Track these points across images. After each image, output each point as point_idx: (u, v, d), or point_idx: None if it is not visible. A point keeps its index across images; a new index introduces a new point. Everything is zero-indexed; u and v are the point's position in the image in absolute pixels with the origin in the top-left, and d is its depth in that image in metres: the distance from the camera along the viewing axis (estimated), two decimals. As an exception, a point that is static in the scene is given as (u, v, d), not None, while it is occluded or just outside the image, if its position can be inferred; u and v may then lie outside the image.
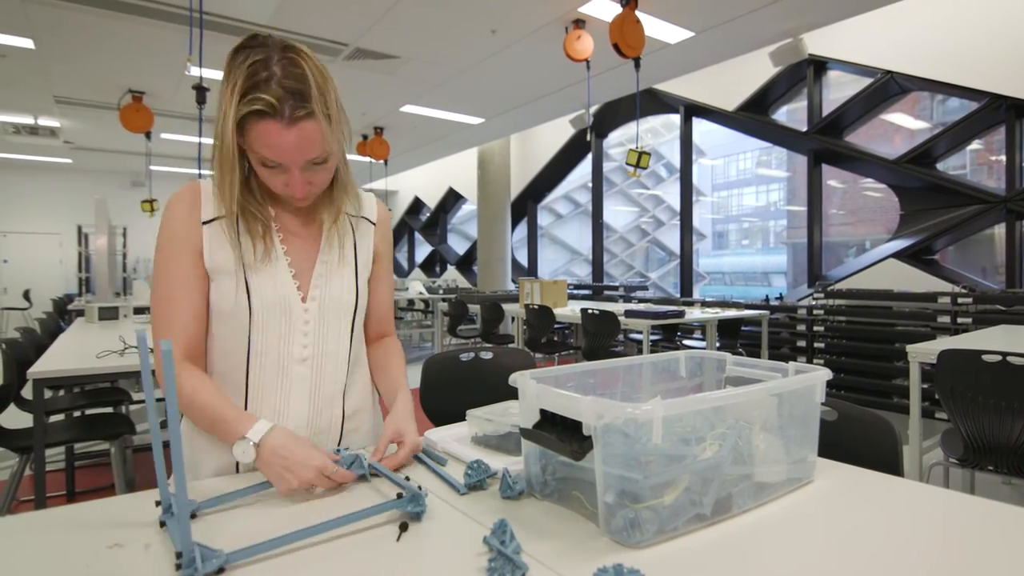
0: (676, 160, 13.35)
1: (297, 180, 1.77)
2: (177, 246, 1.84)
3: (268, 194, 1.93)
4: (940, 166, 8.91)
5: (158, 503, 1.42)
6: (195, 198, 1.87)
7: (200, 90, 7.34)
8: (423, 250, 23.35)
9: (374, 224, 2.15)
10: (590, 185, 15.69)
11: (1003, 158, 8.12)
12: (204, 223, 1.86)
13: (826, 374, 1.67)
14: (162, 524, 1.39)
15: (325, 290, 1.97)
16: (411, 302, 15.64)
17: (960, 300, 7.55)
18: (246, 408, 1.88)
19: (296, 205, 1.91)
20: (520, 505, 1.52)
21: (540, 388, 1.49)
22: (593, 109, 13.40)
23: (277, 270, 1.90)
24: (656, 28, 7.81)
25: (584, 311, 7.92)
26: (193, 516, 1.44)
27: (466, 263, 20.14)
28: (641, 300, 11.74)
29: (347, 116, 1.88)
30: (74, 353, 4.54)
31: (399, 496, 1.45)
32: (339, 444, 2.00)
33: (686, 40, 8.29)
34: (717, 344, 8.50)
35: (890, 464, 1.91)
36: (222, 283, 1.85)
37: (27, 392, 4.20)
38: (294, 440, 1.66)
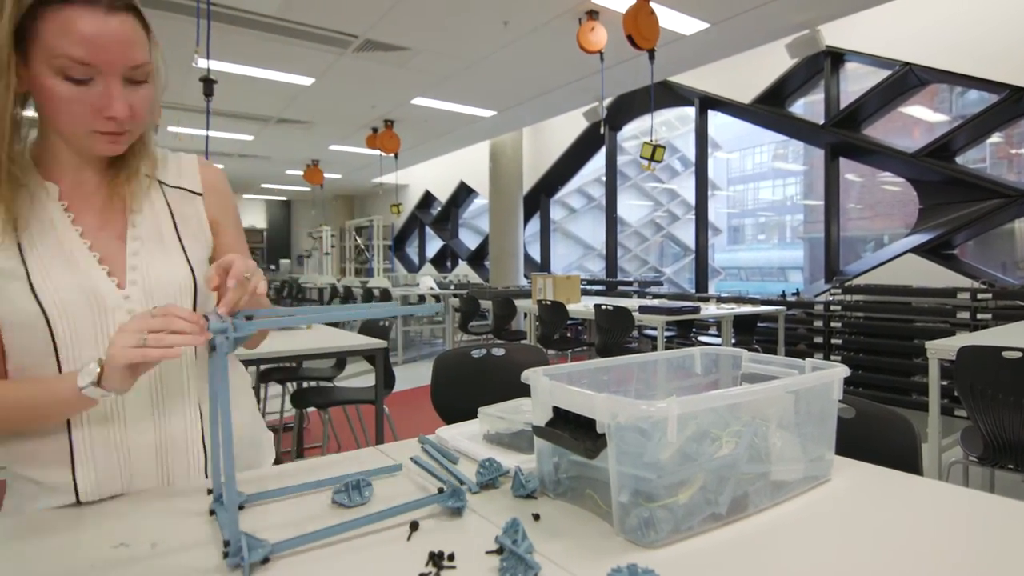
0: (691, 153, 13.29)
1: (116, 95, 1.44)
2: None
3: (41, 161, 1.59)
4: (959, 159, 8.88)
5: (210, 491, 1.46)
6: None
7: (208, 82, 7.35)
8: (434, 245, 23.42)
9: (199, 195, 1.77)
10: (604, 179, 15.71)
11: (1023, 151, 8.10)
12: None
13: (843, 371, 1.66)
14: (211, 512, 1.41)
15: (146, 272, 1.61)
16: (422, 298, 15.65)
17: (980, 296, 7.53)
18: (71, 438, 1.53)
19: (105, 150, 1.55)
20: (533, 504, 1.51)
21: (553, 385, 1.49)
22: (607, 102, 13.38)
23: (77, 263, 1.54)
24: (671, 19, 7.80)
25: (598, 307, 7.91)
26: (241, 507, 1.44)
27: (478, 258, 20.19)
28: (656, 296, 11.72)
29: (165, 66, 1.60)
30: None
31: (440, 491, 1.46)
32: (205, 467, 1.67)
33: (701, 31, 8.28)
34: (733, 340, 8.47)
35: (909, 462, 1.90)
36: (7, 288, 1.46)
37: None
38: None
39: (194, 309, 1.63)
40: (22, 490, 1.55)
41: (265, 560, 1.17)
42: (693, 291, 12.60)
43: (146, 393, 1.59)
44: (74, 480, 1.52)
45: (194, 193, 1.77)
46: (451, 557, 1.19)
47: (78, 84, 1.41)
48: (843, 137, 9.96)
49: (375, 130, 13.55)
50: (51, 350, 1.49)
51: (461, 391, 3.18)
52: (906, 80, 9.24)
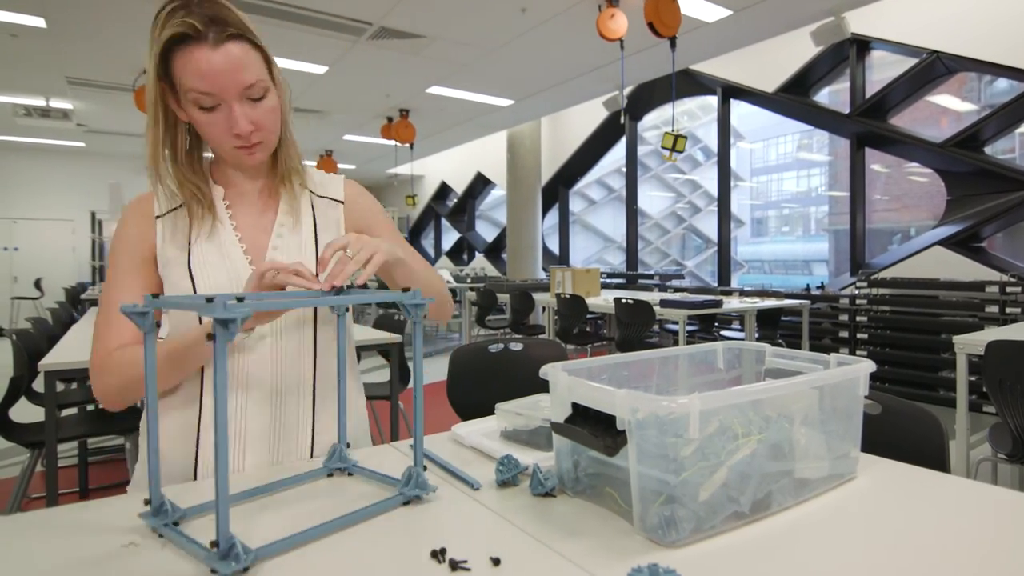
0: (713, 144, 13.30)
1: (238, 114, 1.70)
2: (123, 254, 1.83)
3: (215, 173, 1.96)
4: (988, 150, 8.84)
5: (147, 502, 1.37)
6: (147, 199, 1.88)
7: (221, 72, 7.36)
8: (450, 237, 23.40)
9: (341, 203, 2.07)
10: (624, 170, 15.68)
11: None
12: (158, 217, 1.84)
13: (869, 366, 1.65)
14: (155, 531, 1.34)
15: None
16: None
17: (1009, 289, 7.50)
18: (201, 395, 1.80)
19: (247, 161, 1.84)
20: (551, 502, 1.51)
21: (572, 381, 1.48)
22: (627, 91, 13.36)
23: (227, 250, 1.84)
24: (692, 6, 7.78)
25: (618, 301, 7.91)
26: (176, 524, 1.36)
27: (495, 251, 20.18)
28: (677, 289, 11.70)
29: (287, 83, 1.91)
30: (88, 344, 4.55)
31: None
32: (311, 446, 1.88)
33: (724, 19, 8.26)
34: (756, 335, 8.47)
35: (936, 460, 1.90)
36: (172, 275, 1.79)
37: (38, 385, 4.21)
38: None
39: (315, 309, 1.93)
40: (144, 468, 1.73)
41: (245, 569, 1.16)
42: (715, 284, 12.59)
43: (268, 381, 1.82)
44: (196, 457, 1.78)
45: (337, 201, 2.07)
46: (462, 562, 1.20)
47: (209, 111, 1.70)
48: (869, 127, 9.92)
49: (390, 120, 13.54)
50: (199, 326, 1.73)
51: (478, 387, 3.18)
52: (933, 68, 9.19)
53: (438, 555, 1.20)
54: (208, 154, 1.96)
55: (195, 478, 1.77)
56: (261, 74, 1.74)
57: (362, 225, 2.08)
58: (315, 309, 1.91)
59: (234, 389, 1.79)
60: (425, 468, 1.52)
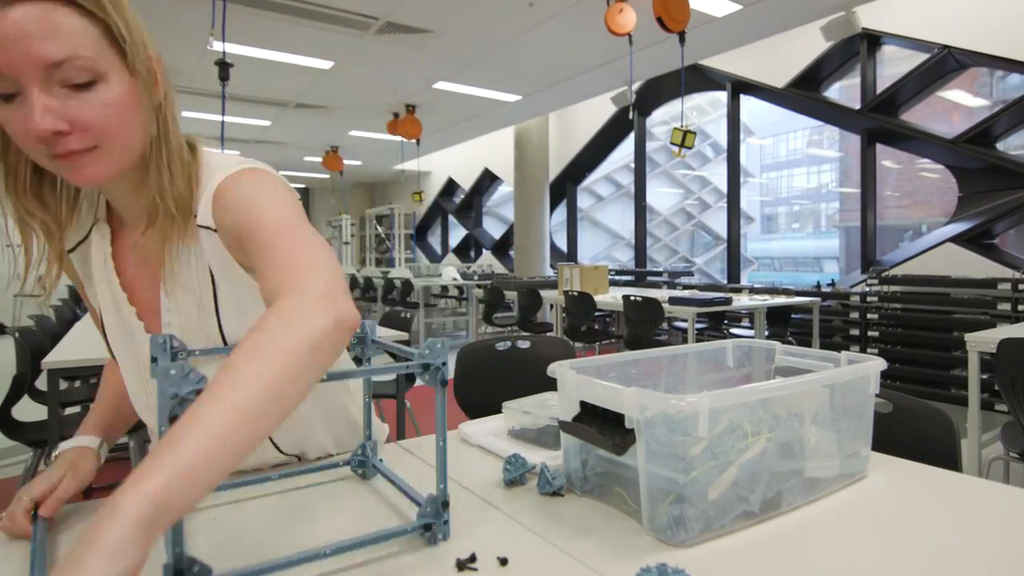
0: (723, 139, 13.31)
1: (35, 105, 1.13)
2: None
3: (112, 207, 1.52)
4: (1000, 146, 8.80)
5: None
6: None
7: (223, 66, 7.37)
8: (457, 234, 23.41)
9: (215, 230, 1.43)
10: (632, 166, 15.68)
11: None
12: (70, 251, 1.54)
13: (880, 364, 1.65)
14: None
15: (180, 319, 1.51)
16: (445, 288, 15.64)
17: (1021, 286, 7.47)
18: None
19: (72, 179, 1.27)
20: (559, 502, 1.52)
21: (580, 379, 1.49)
22: (636, 86, 13.35)
23: (124, 318, 1.55)
24: (702, 1, 7.77)
25: (626, 298, 7.90)
26: None
27: (502, 248, 20.18)
28: (686, 286, 11.70)
29: (164, 74, 1.36)
30: (91, 342, 4.54)
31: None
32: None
33: (733, 13, 8.26)
34: (766, 333, 8.46)
35: (948, 458, 1.89)
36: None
37: (41, 383, 4.21)
38: (53, 468, 1.48)
39: (224, 341, 1.51)
40: None
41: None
42: (725, 282, 12.56)
43: None
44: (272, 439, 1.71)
45: (211, 230, 1.43)
46: (472, 558, 1.20)
47: (7, 102, 1.16)
48: (880, 122, 9.91)
49: (396, 115, 13.56)
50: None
51: (485, 385, 3.18)
52: (945, 64, 9.17)
53: (464, 564, 1.21)
54: None
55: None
56: (85, 49, 1.16)
57: (239, 237, 1.38)
58: None
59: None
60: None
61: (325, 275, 1.20)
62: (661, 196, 30.64)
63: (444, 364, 1.22)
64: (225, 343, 1.49)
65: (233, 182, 1.42)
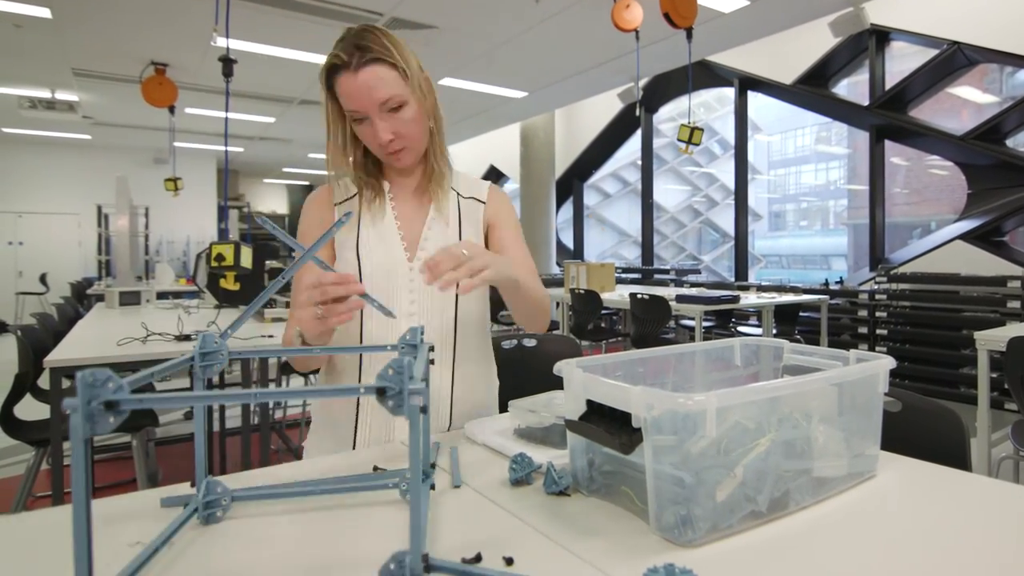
0: (730, 136, 13.27)
1: (379, 126, 2.04)
2: (307, 237, 2.25)
3: (386, 171, 2.33)
4: (1010, 142, 8.80)
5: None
6: (326, 191, 2.32)
7: (227, 62, 7.35)
8: (463, 231, 23.31)
9: (483, 203, 2.38)
10: (639, 163, 15.65)
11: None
12: (336, 204, 2.28)
13: (889, 362, 1.64)
14: None
15: (429, 251, 2.20)
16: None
17: (1032, 284, 7.48)
18: (360, 357, 2.19)
19: (394, 163, 2.21)
20: (565, 501, 1.51)
21: (587, 377, 1.48)
22: (643, 82, 13.35)
23: (388, 236, 2.22)
24: (709, -3, 7.77)
25: (633, 296, 7.90)
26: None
27: (508, 245, 20.07)
28: (693, 284, 11.71)
29: (433, 89, 2.19)
30: (93, 340, 4.56)
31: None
32: (450, 409, 2.20)
33: (741, 9, 8.25)
34: (774, 331, 8.46)
35: (957, 458, 1.89)
36: (344, 253, 2.22)
37: (44, 382, 4.21)
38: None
39: (457, 284, 1.85)
40: (320, 431, 2.25)
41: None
42: (732, 279, 12.56)
43: None
44: (356, 427, 2.15)
45: (480, 201, 2.38)
46: (478, 558, 1.20)
47: (360, 123, 2.08)
48: (888, 119, 9.89)
49: (401, 112, 13.49)
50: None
51: (491, 383, 3.16)
52: (954, 60, 9.16)
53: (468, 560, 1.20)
54: None
55: (354, 447, 2.14)
56: (396, 89, 2.03)
57: (492, 223, 2.38)
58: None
59: (367, 354, 2.18)
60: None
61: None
62: (668, 193, 30.59)
63: (412, 392, 0.94)
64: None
65: (498, 188, 2.46)
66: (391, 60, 2.02)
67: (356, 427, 2.14)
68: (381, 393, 0.95)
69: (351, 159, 2.22)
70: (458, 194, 2.36)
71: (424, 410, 0.95)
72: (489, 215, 2.38)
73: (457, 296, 2.23)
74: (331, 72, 2.04)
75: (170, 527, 1.29)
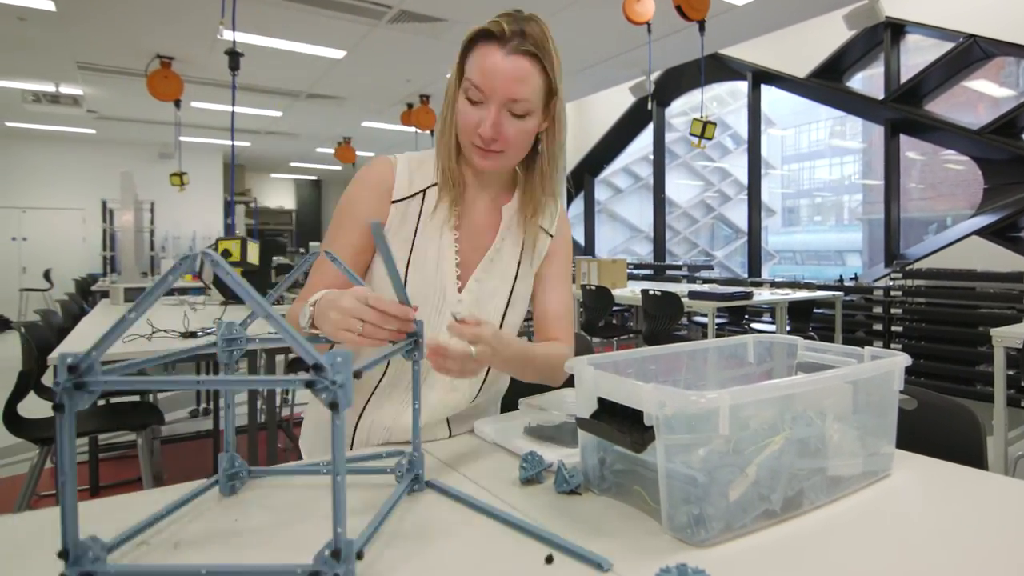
0: (743, 130, 13.23)
1: (492, 116, 1.83)
2: (348, 216, 2.01)
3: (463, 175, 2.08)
4: (1027, 136, 8.79)
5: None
6: (387, 175, 2.02)
7: (233, 55, 7.37)
8: (473, 227, 23.31)
9: (551, 236, 2.20)
10: (651, 157, 15.64)
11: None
12: (394, 202, 2.01)
13: (904, 360, 1.64)
14: None
15: (482, 286, 2.06)
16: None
17: (1049, 280, 7.46)
18: (382, 386, 2.04)
19: (477, 162, 1.95)
20: (577, 500, 1.51)
21: (598, 375, 1.48)
22: (654, 76, 13.29)
23: (443, 256, 2.02)
24: (722, -11, 7.75)
25: (645, 292, 7.91)
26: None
27: (518, 241, 20.07)
28: (706, 280, 11.70)
29: (564, 123, 2.02)
30: (98, 337, 4.54)
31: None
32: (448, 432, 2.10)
33: (754, 1, 8.23)
34: (787, 328, 8.44)
35: (973, 456, 1.89)
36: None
37: (48, 379, 4.20)
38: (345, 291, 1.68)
39: (501, 323, 2.07)
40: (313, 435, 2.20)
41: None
42: (745, 276, 12.55)
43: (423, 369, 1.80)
44: (356, 425, 2.06)
45: (548, 234, 2.19)
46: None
47: (473, 104, 1.86)
48: (904, 113, 9.87)
49: (410, 106, 13.56)
50: None
51: (501, 380, 3.16)
52: (970, 53, 9.14)
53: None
54: None
55: (352, 448, 2.05)
56: (533, 96, 1.86)
57: (548, 257, 2.21)
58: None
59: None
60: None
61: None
62: (680, 188, 30.50)
63: (340, 385, 1.01)
64: (512, 290, 2.11)
65: (565, 216, 2.28)
66: (548, 67, 1.87)
67: (356, 427, 2.05)
68: (310, 386, 1.00)
69: (450, 142, 1.99)
70: (539, 227, 2.17)
71: (335, 407, 1.01)
72: (551, 250, 2.21)
73: (502, 323, 2.09)
74: (479, 37, 1.86)
75: (193, 491, 1.48)
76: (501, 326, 2.03)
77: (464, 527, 1.37)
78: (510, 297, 2.10)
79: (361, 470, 1.69)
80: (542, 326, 2.19)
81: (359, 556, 1.09)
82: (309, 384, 0.99)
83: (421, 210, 2.02)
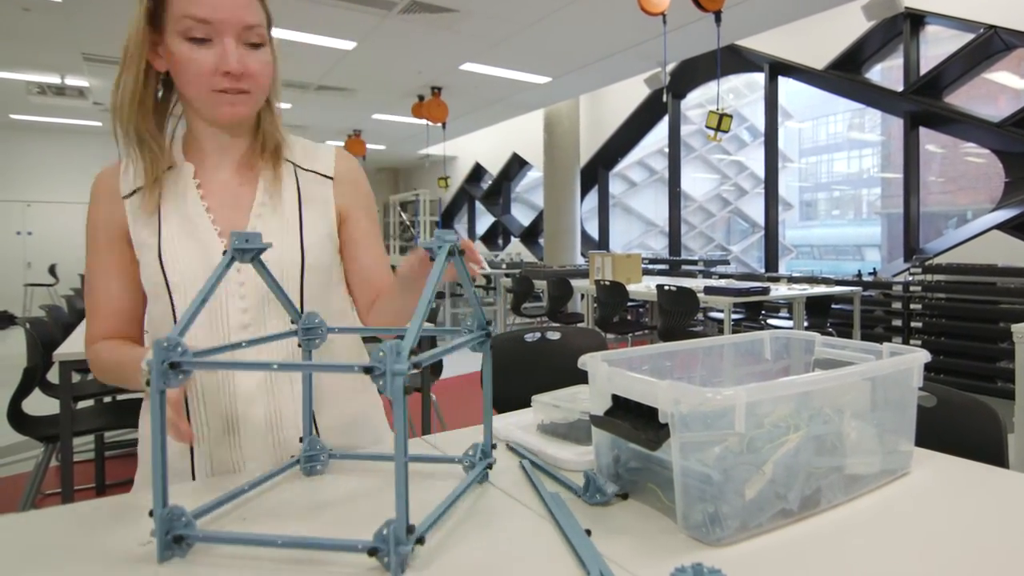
0: (760, 123, 13.26)
1: (231, 51, 1.64)
2: (93, 235, 1.87)
3: (187, 150, 1.87)
4: (1050, 129, 8.76)
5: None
6: (112, 175, 1.86)
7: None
8: (485, 221, 23.37)
9: (331, 179, 1.94)
10: (666, 150, 15.61)
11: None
12: (125, 197, 1.81)
13: (924, 356, 1.64)
14: None
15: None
16: (471, 277, 15.62)
17: (1072, 276, 7.44)
18: (193, 390, 1.76)
19: (225, 112, 1.72)
20: (591, 497, 1.51)
21: (612, 371, 1.48)
22: (670, 67, 13.30)
23: (200, 234, 1.77)
24: (738, -21, 7.74)
25: (660, 288, 7.89)
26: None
27: (531, 235, 20.15)
28: (722, 276, 11.68)
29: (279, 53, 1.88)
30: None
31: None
32: (313, 433, 1.76)
33: (771, -8, 8.21)
34: (805, 324, 8.41)
35: (994, 454, 1.88)
36: (145, 258, 1.77)
37: (53, 376, 4.21)
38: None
39: (301, 284, 1.83)
40: (146, 469, 1.88)
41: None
42: (762, 271, 12.54)
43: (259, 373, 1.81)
44: (192, 457, 1.78)
45: (325, 177, 1.95)
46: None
47: (199, 44, 1.64)
48: (923, 105, 9.84)
49: (421, 98, 13.58)
50: (171, 320, 1.75)
51: (513, 378, 3.17)
52: (991, 44, 9.10)
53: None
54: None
55: (193, 478, 1.78)
56: (263, 21, 1.74)
57: (345, 207, 1.97)
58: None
59: (224, 381, 1.77)
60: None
61: None
62: (696, 182, 30.52)
63: (399, 375, 1.08)
64: (302, 244, 1.83)
65: (347, 154, 2.04)
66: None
67: (193, 456, 1.78)
68: (368, 371, 1.09)
69: (142, 110, 1.73)
70: (295, 166, 1.93)
71: (407, 391, 1.10)
72: (342, 199, 1.96)
73: (303, 303, 1.83)
74: None
75: (273, 471, 1.63)
76: (301, 288, 1.82)
77: (524, 522, 1.37)
78: (302, 255, 1.83)
79: (427, 458, 1.77)
80: (369, 289, 2.01)
81: (420, 541, 1.15)
82: (368, 370, 1.09)
83: (147, 190, 1.77)
